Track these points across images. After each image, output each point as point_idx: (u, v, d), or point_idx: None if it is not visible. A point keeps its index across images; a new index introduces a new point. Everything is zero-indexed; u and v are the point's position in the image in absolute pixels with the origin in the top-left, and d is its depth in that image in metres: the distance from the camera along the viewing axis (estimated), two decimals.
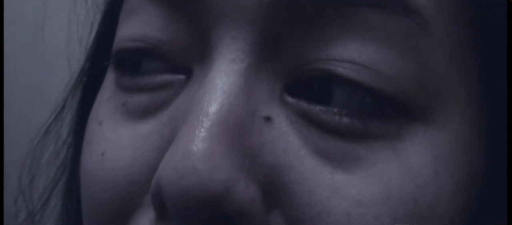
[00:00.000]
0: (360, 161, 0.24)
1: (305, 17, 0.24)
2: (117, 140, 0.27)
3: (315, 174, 0.24)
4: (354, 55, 0.24)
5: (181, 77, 0.26)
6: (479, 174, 0.26)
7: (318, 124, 0.24)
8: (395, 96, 0.24)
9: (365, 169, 0.24)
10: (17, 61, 0.80)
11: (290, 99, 0.25)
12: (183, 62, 0.26)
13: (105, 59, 0.31)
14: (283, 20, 0.24)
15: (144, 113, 0.27)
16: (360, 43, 0.24)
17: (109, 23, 0.33)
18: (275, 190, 0.24)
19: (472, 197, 0.25)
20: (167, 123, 0.26)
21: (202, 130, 0.23)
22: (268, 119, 0.24)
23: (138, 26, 0.27)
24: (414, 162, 0.24)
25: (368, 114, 0.24)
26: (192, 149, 0.23)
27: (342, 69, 0.24)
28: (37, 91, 0.48)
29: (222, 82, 0.24)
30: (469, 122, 0.25)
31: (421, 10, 0.24)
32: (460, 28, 0.25)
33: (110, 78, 0.29)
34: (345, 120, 0.24)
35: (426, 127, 0.24)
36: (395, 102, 0.24)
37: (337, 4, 0.24)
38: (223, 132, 0.23)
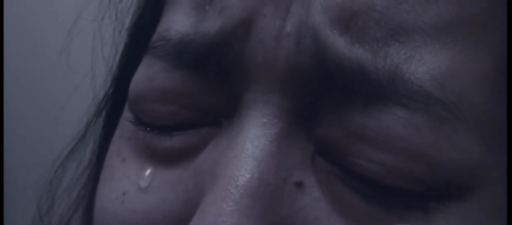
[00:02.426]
0: None
1: (338, 91, 0.23)
2: (140, 182, 0.26)
3: None
4: (383, 155, 0.22)
5: (208, 130, 0.25)
6: None
7: (351, 190, 0.23)
8: (428, 194, 0.23)
9: None
10: (42, 81, 0.81)
11: (320, 159, 0.24)
12: (212, 117, 0.25)
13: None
14: (316, 90, 0.23)
15: (171, 158, 0.26)
16: (391, 141, 0.22)
17: (136, 46, 0.32)
18: None
19: None
20: (193, 176, 0.25)
21: (230, 203, 0.22)
22: (299, 184, 0.23)
23: (167, 76, 0.26)
24: None
25: (396, 201, 0.23)
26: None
27: (375, 173, 0.22)
28: (61, 111, 0.48)
29: (253, 146, 0.23)
30: (497, 195, 0.24)
31: (448, 95, 0.23)
32: (491, 113, 0.24)
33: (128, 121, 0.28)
34: (380, 194, 0.23)
35: (462, 204, 0.23)
36: (430, 196, 0.23)
37: (366, 94, 0.23)
38: (252, 204, 0.22)
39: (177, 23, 0.25)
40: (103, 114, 0.37)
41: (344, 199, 0.23)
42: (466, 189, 0.23)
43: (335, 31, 0.22)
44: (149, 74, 0.26)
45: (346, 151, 0.23)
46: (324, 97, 0.23)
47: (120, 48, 0.35)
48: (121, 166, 0.27)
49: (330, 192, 0.23)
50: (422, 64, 0.22)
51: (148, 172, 0.26)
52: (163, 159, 0.26)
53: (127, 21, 0.35)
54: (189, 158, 0.25)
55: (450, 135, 0.23)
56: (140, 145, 0.27)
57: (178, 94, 0.25)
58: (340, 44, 0.22)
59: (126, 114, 0.28)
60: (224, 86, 0.25)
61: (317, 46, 0.23)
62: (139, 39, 0.31)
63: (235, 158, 0.23)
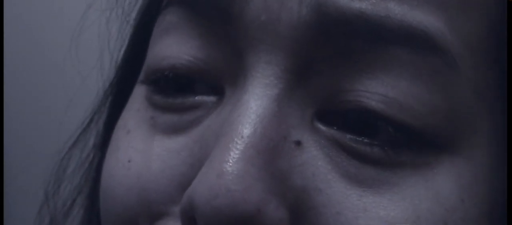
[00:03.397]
0: (389, 186, 0.24)
1: (338, 47, 0.25)
2: (145, 150, 0.28)
3: (343, 196, 0.24)
4: (386, 89, 0.24)
5: (213, 98, 0.27)
6: (499, 202, 0.26)
7: (348, 151, 0.25)
8: (425, 130, 0.25)
9: (395, 193, 0.24)
10: (51, 75, 0.82)
11: (320, 126, 0.25)
12: (216, 82, 0.27)
13: (135, 73, 0.32)
14: (316, 48, 0.25)
15: (174, 129, 0.27)
16: (391, 78, 0.24)
17: (141, 38, 0.34)
18: (303, 212, 0.25)
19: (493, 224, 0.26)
20: (198, 141, 0.26)
21: (236, 151, 0.24)
22: (298, 143, 0.25)
23: (173, 46, 0.28)
24: (442, 189, 0.25)
25: (398, 146, 0.25)
26: (227, 170, 0.23)
27: (374, 103, 0.24)
28: (70, 103, 0.50)
29: (256, 105, 0.25)
30: (492, 154, 0.26)
31: (450, 49, 0.25)
32: (486, 66, 0.26)
33: (140, 91, 0.30)
34: (375, 149, 0.25)
35: (453, 157, 0.25)
36: (424, 136, 0.25)
37: (369, 39, 0.24)
38: (256, 155, 0.24)
39: None
40: (109, 101, 0.38)
41: (341, 160, 0.25)
42: (457, 140, 0.25)
43: None
44: (162, 28, 0.28)
45: (345, 94, 0.25)
46: (325, 58, 0.25)
47: (127, 40, 0.37)
48: (125, 137, 0.29)
49: (328, 153, 0.25)
50: (424, 15, 0.24)
51: (152, 141, 0.28)
52: (168, 130, 0.28)
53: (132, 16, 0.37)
54: (193, 127, 0.27)
55: (446, 85, 0.25)
56: (145, 117, 0.28)
57: (185, 58, 0.27)
58: None
59: (139, 87, 0.30)
60: (227, 48, 0.26)
61: (319, 1, 0.24)
62: (146, 24, 0.33)
63: (239, 116, 0.25)
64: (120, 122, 0.30)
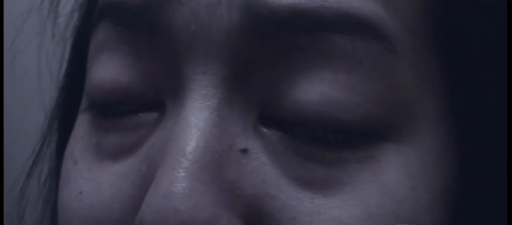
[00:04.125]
0: (340, 185, 0.24)
1: (274, 48, 0.24)
2: (94, 179, 0.27)
3: (295, 200, 0.24)
4: (322, 86, 0.24)
5: (154, 114, 0.26)
6: (453, 185, 0.26)
7: (296, 153, 0.24)
8: (367, 123, 0.24)
9: (345, 192, 0.24)
10: None
11: (265, 131, 0.25)
12: (156, 98, 0.26)
13: (79, 92, 0.31)
14: (252, 52, 0.24)
15: (119, 152, 0.27)
16: (330, 72, 0.24)
17: (79, 56, 0.33)
18: (257, 220, 0.24)
19: (448, 208, 0.26)
20: (144, 160, 0.26)
21: (180, 170, 0.23)
22: (245, 151, 0.25)
23: (108, 66, 0.27)
24: (391, 180, 0.24)
25: (342, 144, 0.24)
26: (173, 190, 0.23)
27: (311, 105, 0.24)
28: (16, 131, 0.48)
29: (195, 119, 0.24)
30: (440, 137, 0.26)
31: (388, 33, 0.24)
32: (427, 48, 0.26)
33: (83, 117, 0.29)
34: (320, 150, 0.24)
35: (398, 145, 0.25)
36: (367, 128, 0.24)
37: (306, 31, 0.24)
38: (201, 169, 0.23)
39: None
40: (56, 124, 0.37)
41: (289, 164, 0.24)
42: (402, 127, 0.25)
43: None
44: (95, 46, 0.28)
45: (284, 98, 0.24)
46: (262, 62, 0.24)
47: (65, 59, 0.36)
48: (74, 168, 0.28)
49: (275, 158, 0.24)
50: (360, 2, 0.24)
51: (100, 168, 0.27)
52: (114, 153, 0.27)
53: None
54: (138, 147, 0.26)
55: (387, 71, 0.24)
56: (90, 144, 0.28)
57: (122, 75, 0.27)
58: None
59: (83, 113, 0.29)
60: (160, 61, 0.26)
61: (248, 3, 0.24)
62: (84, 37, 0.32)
63: (180, 132, 0.24)
64: (67, 151, 0.30)
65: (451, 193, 0.26)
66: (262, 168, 0.24)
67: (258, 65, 0.25)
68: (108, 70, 0.27)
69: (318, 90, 0.24)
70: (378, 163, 0.24)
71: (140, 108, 0.27)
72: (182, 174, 0.23)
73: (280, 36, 0.24)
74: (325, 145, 0.24)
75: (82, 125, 0.29)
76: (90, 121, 0.28)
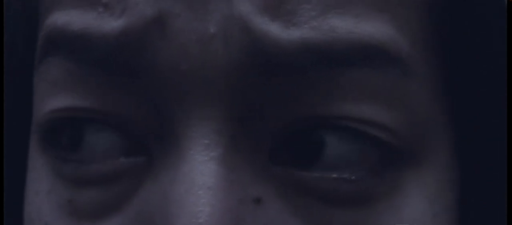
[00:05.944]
0: None
1: (283, 84, 0.21)
2: None
3: None
4: (345, 111, 0.22)
5: (139, 159, 0.22)
6: (459, 195, 0.25)
7: (315, 195, 0.22)
8: (391, 145, 0.22)
9: None
10: None
11: (275, 168, 0.22)
12: (136, 135, 0.22)
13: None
14: (257, 90, 0.21)
15: (102, 210, 0.23)
16: (350, 103, 0.22)
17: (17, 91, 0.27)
18: None
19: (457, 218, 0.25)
20: (136, 219, 0.22)
21: None
22: (258, 201, 0.22)
23: (67, 99, 0.23)
24: (414, 212, 0.23)
25: (365, 170, 0.22)
26: None
27: (333, 120, 0.22)
28: None
29: (202, 176, 0.21)
30: (450, 154, 0.25)
31: (403, 55, 0.22)
32: (434, 59, 0.24)
33: (41, 160, 0.24)
34: (344, 185, 0.22)
35: (418, 168, 0.23)
36: (391, 151, 0.22)
37: (316, 68, 0.21)
38: None
39: (72, 18, 0.22)
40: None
41: (310, 209, 0.22)
42: (420, 150, 0.23)
43: (266, 18, 0.21)
44: (49, 83, 0.23)
45: (300, 129, 0.22)
46: (266, 94, 0.21)
47: None
48: None
49: (293, 203, 0.22)
50: (372, 24, 0.21)
51: None
52: (94, 212, 0.23)
53: None
54: (125, 203, 0.22)
55: (406, 96, 0.22)
56: (61, 202, 0.23)
57: (92, 107, 0.22)
58: (274, 30, 0.21)
59: (37, 153, 0.24)
60: (142, 98, 0.22)
61: (249, 38, 0.21)
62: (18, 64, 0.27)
63: (187, 193, 0.21)
64: (32, 211, 0.24)
65: (460, 204, 0.25)
66: (280, 216, 0.22)
67: (264, 104, 0.21)
68: (74, 98, 0.23)
69: (339, 114, 0.22)
70: (400, 196, 0.23)
71: (119, 145, 0.22)
72: None
73: (288, 73, 0.21)
74: (348, 180, 0.22)
75: (45, 176, 0.24)
76: (55, 170, 0.24)
